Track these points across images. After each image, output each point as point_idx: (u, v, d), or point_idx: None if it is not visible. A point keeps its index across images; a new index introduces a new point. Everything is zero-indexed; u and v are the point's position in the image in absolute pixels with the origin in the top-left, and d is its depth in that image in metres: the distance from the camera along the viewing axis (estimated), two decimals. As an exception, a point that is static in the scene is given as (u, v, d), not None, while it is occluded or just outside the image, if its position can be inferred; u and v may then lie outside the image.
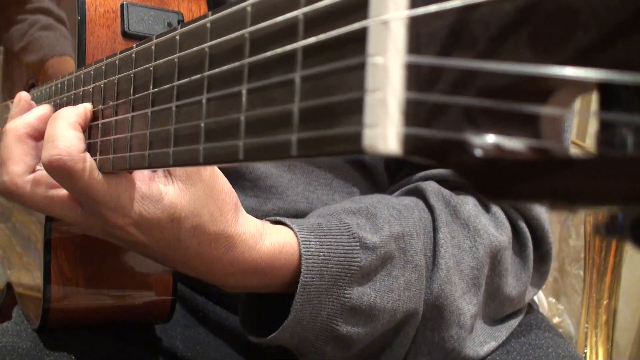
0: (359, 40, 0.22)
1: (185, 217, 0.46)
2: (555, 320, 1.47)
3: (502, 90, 0.20)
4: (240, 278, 0.51)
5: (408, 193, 0.63)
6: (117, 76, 0.43)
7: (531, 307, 0.73)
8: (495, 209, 0.61)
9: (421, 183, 0.62)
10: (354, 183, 0.71)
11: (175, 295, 0.64)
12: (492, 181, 0.20)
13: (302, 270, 0.51)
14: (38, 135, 0.50)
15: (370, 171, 0.72)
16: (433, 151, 0.21)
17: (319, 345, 0.54)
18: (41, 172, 0.49)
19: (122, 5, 0.55)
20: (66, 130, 0.44)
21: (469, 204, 0.59)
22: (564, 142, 0.21)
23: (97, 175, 0.44)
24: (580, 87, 0.20)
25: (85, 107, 0.47)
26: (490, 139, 0.20)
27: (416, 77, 0.22)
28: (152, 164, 0.38)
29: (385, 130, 0.21)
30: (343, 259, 0.52)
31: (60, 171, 0.43)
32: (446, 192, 0.60)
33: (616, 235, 0.18)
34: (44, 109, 0.52)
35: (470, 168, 0.20)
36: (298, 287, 0.51)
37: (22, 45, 0.78)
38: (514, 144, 0.20)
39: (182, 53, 0.35)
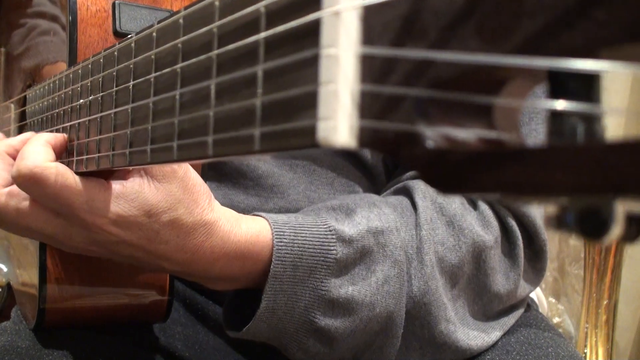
0: (313, 31, 0.22)
1: (162, 212, 0.47)
2: (555, 320, 1.46)
3: (454, 81, 0.20)
4: (223, 265, 0.52)
5: (396, 192, 0.63)
6: (101, 74, 0.43)
7: (530, 307, 0.73)
8: (483, 208, 0.61)
9: (409, 182, 0.63)
10: (356, 182, 0.71)
11: (171, 296, 0.64)
12: (442, 173, 0.19)
13: (273, 260, 0.52)
14: (17, 155, 0.51)
15: (371, 171, 0.72)
16: (387, 144, 0.21)
17: (300, 338, 0.55)
18: (14, 187, 0.49)
19: (113, 5, 0.55)
20: (37, 147, 0.46)
21: (455, 202, 0.60)
22: (520, 133, 0.20)
23: (67, 180, 0.45)
24: (532, 76, 0.19)
25: (63, 135, 0.50)
26: (442, 130, 0.20)
27: (370, 69, 0.21)
28: (133, 163, 0.38)
29: (338, 122, 0.21)
30: (319, 251, 0.53)
31: (29, 180, 0.44)
32: (433, 190, 0.60)
33: (565, 228, 0.18)
34: (28, 134, 0.54)
35: (421, 160, 0.20)
36: (268, 276, 0.52)
37: (22, 49, 0.78)
38: (465, 135, 0.20)
39: (158, 49, 0.34)
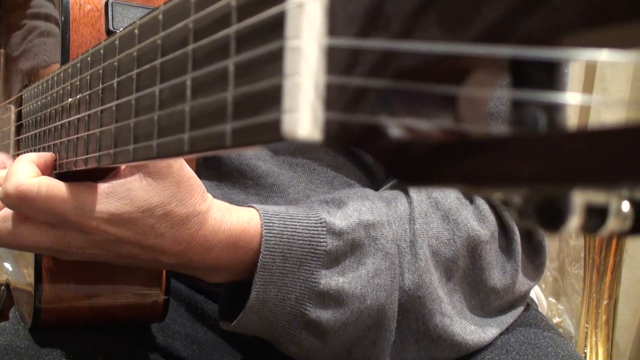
0: (279, 24, 0.22)
1: (155, 206, 0.48)
2: (555, 320, 1.45)
3: (417, 71, 0.19)
4: (217, 254, 0.52)
5: (393, 187, 0.63)
6: (89, 72, 0.43)
7: (530, 307, 0.72)
8: (480, 202, 0.60)
9: None
10: (356, 181, 0.71)
11: (168, 295, 0.64)
12: (405, 165, 0.19)
13: (261, 250, 0.52)
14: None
15: (371, 169, 0.71)
16: (352, 137, 0.21)
17: (292, 331, 0.55)
18: (5, 210, 0.50)
19: (106, 4, 0.55)
20: (20, 165, 0.47)
21: (450, 197, 0.59)
22: (486, 123, 0.20)
23: (54, 190, 0.46)
24: (494, 66, 0.19)
25: (48, 154, 0.51)
26: (405, 122, 0.19)
27: (335, 61, 0.21)
28: (117, 161, 0.37)
29: (303, 115, 0.21)
30: (308, 242, 0.53)
31: (16, 198, 0.46)
32: None
33: (526, 219, 0.17)
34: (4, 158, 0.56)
35: (385, 153, 0.20)
36: (257, 267, 0.52)
37: (20, 50, 0.78)
38: (427, 126, 0.19)
39: (139, 46, 0.34)
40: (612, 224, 0.17)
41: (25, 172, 0.47)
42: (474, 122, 0.20)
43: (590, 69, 1.49)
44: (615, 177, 0.15)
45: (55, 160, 0.51)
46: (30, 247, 0.51)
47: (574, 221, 0.16)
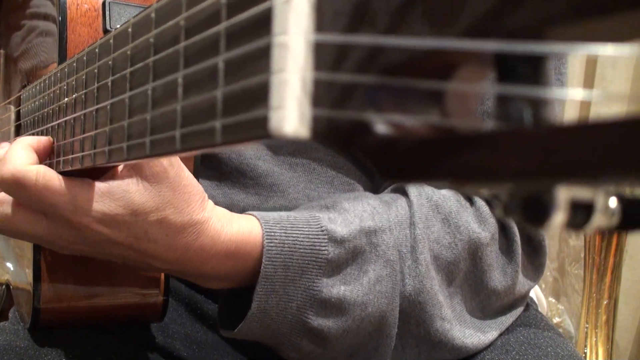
0: (266, 20, 0.22)
1: (150, 211, 0.47)
2: (555, 320, 1.45)
3: (404, 66, 0.19)
4: (215, 264, 0.52)
5: (393, 190, 0.63)
6: (84, 71, 0.43)
7: (530, 306, 0.72)
8: (480, 204, 0.60)
9: None
10: (355, 180, 0.71)
11: (167, 296, 0.64)
12: (392, 162, 0.19)
13: (263, 260, 0.52)
14: None
15: (371, 169, 0.71)
16: (340, 133, 0.20)
17: (293, 339, 0.55)
18: (4, 194, 0.50)
19: (103, 3, 0.55)
20: (18, 150, 0.47)
21: (451, 200, 0.59)
22: (472, 119, 0.20)
23: (49, 181, 0.46)
24: (481, 61, 0.19)
25: (47, 138, 0.51)
26: (391, 118, 0.19)
27: (323, 57, 0.21)
28: (112, 160, 0.37)
29: (290, 112, 0.21)
30: (310, 251, 0.52)
31: (11, 184, 0.46)
32: (428, 188, 0.60)
33: (511, 215, 0.17)
34: (6, 144, 0.56)
35: (372, 149, 0.19)
36: (259, 277, 0.52)
37: (20, 51, 0.78)
38: (414, 122, 0.19)
39: (133, 44, 0.34)
40: (598, 220, 0.17)
41: (23, 158, 0.46)
42: (461, 118, 0.20)
43: (591, 67, 1.49)
44: (601, 172, 0.15)
45: (53, 144, 0.51)
46: (23, 234, 0.51)
47: (559, 217, 0.16)
